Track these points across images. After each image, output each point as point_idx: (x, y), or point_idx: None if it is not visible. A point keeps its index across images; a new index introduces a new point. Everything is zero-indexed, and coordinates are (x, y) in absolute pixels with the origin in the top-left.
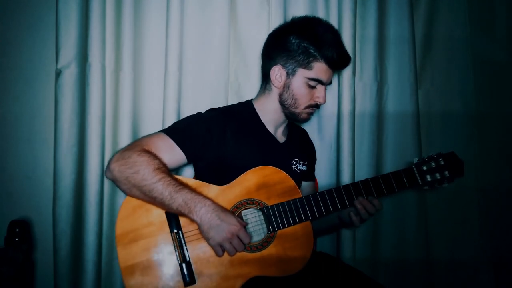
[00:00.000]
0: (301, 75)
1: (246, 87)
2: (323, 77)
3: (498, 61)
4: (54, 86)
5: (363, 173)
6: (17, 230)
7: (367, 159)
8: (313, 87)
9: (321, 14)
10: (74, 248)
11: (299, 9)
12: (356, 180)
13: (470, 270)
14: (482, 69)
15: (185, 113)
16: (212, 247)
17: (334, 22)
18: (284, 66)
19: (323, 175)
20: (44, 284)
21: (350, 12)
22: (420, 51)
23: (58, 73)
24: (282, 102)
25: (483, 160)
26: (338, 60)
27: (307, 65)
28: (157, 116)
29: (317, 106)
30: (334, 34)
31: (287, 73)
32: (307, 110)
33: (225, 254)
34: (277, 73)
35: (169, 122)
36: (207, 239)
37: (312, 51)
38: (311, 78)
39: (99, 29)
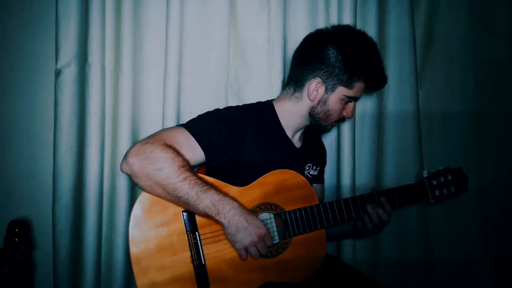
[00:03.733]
0: (340, 92)
1: (246, 87)
2: (359, 95)
3: (499, 61)
4: (54, 85)
5: (363, 173)
6: (17, 230)
7: (367, 159)
8: (346, 103)
9: (321, 14)
10: (73, 248)
11: (299, 9)
12: (356, 181)
13: (470, 270)
14: (483, 68)
15: (185, 113)
16: (237, 250)
17: (334, 22)
18: (323, 81)
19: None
20: (43, 284)
21: (350, 12)
22: (421, 51)
23: (57, 73)
24: (312, 114)
25: (483, 159)
26: (380, 82)
27: (349, 84)
28: (157, 116)
29: (343, 119)
30: (377, 53)
31: (326, 88)
32: (333, 123)
33: (239, 258)
34: (315, 87)
35: (168, 122)
36: (233, 242)
37: (356, 71)
38: (349, 97)
39: (99, 29)
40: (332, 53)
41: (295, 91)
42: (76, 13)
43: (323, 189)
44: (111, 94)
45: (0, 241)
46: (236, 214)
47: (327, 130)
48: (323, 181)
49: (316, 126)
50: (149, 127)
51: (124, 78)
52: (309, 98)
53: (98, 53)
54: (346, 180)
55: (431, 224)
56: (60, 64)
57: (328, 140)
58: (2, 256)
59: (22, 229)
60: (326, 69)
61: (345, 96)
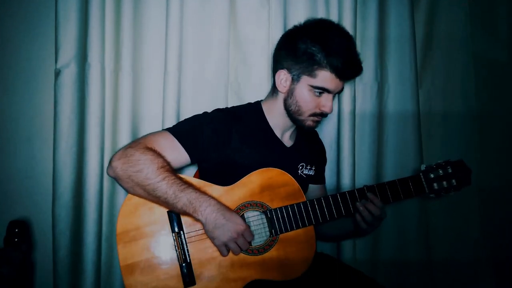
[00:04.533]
0: (305, 82)
1: (246, 87)
2: (329, 86)
3: (499, 61)
4: (54, 85)
5: (363, 173)
6: (17, 230)
7: (367, 159)
8: (318, 95)
9: (321, 14)
10: (73, 248)
11: (299, 8)
12: (356, 181)
13: (470, 270)
14: (483, 68)
15: (185, 113)
16: (217, 246)
17: (334, 21)
18: (289, 71)
19: None
20: (43, 284)
21: (350, 12)
22: (421, 51)
23: (57, 73)
24: (286, 108)
25: (483, 159)
26: (345, 69)
27: (310, 72)
28: (157, 116)
29: (322, 114)
30: (345, 41)
31: (292, 79)
32: (312, 118)
33: (226, 256)
34: (282, 77)
35: (168, 122)
36: (212, 239)
37: (317, 58)
38: (315, 86)
39: (98, 29)
40: (296, 44)
41: (274, 88)
42: (76, 13)
43: (324, 189)
44: (111, 94)
45: (0, 241)
46: (213, 211)
47: (307, 126)
48: (323, 181)
49: (295, 123)
50: (149, 127)
51: (124, 78)
52: (279, 90)
53: (98, 53)
54: (346, 180)
55: (431, 224)
56: (59, 64)
57: (328, 140)
58: (2, 256)
59: (21, 229)
60: (290, 59)
61: (311, 86)
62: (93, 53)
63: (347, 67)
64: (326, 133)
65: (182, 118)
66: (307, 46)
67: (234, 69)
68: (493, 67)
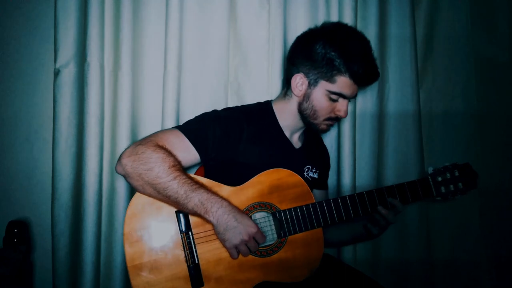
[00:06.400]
0: (323, 87)
1: (246, 87)
2: (346, 91)
3: (500, 61)
4: (53, 85)
5: (364, 173)
6: (16, 230)
7: (368, 159)
8: (334, 100)
9: (321, 13)
10: (72, 249)
11: (299, 8)
12: (357, 181)
13: (470, 270)
14: (484, 68)
15: (185, 113)
16: (228, 249)
17: (334, 21)
18: (306, 75)
19: None
20: (42, 284)
21: (351, 11)
22: (422, 51)
23: (56, 73)
24: (301, 111)
25: (484, 160)
26: (365, 76)
27: (330, 78)
28: (156, 116)
29: (337, 119)
30: (364, 47)
31: (309, 83)
32: (326, 122)
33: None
34: (298, 81)
35: (168, 122)
36: (223, 241)
37: (337, 64)
38: (333, 92)
39: (98, 28)
40: (315, 48)
41: (286, 90)
42: (75, 12)
43: (326, 196)
44: (110, 94)
45: None
46: (224, 212)
47: (320, 129)
48: (326, 187)
49: (308, 126)
50: (148, 127)
51: (123, 77)
52: (294, 94)
53: (97, 53)
54: (346, 180)
55: (431, 224)
56: (59, 64)
57: (329, 140)
58: (1, 256)
59: (21, 229)
60: (307, 63)
61: (329, 91)
62: (93, 52)
63: (367, 74)
64: (327, 132)
65: (181, 118)
66: (326, 51)
67: (234, 69)
68: (493, 67)
